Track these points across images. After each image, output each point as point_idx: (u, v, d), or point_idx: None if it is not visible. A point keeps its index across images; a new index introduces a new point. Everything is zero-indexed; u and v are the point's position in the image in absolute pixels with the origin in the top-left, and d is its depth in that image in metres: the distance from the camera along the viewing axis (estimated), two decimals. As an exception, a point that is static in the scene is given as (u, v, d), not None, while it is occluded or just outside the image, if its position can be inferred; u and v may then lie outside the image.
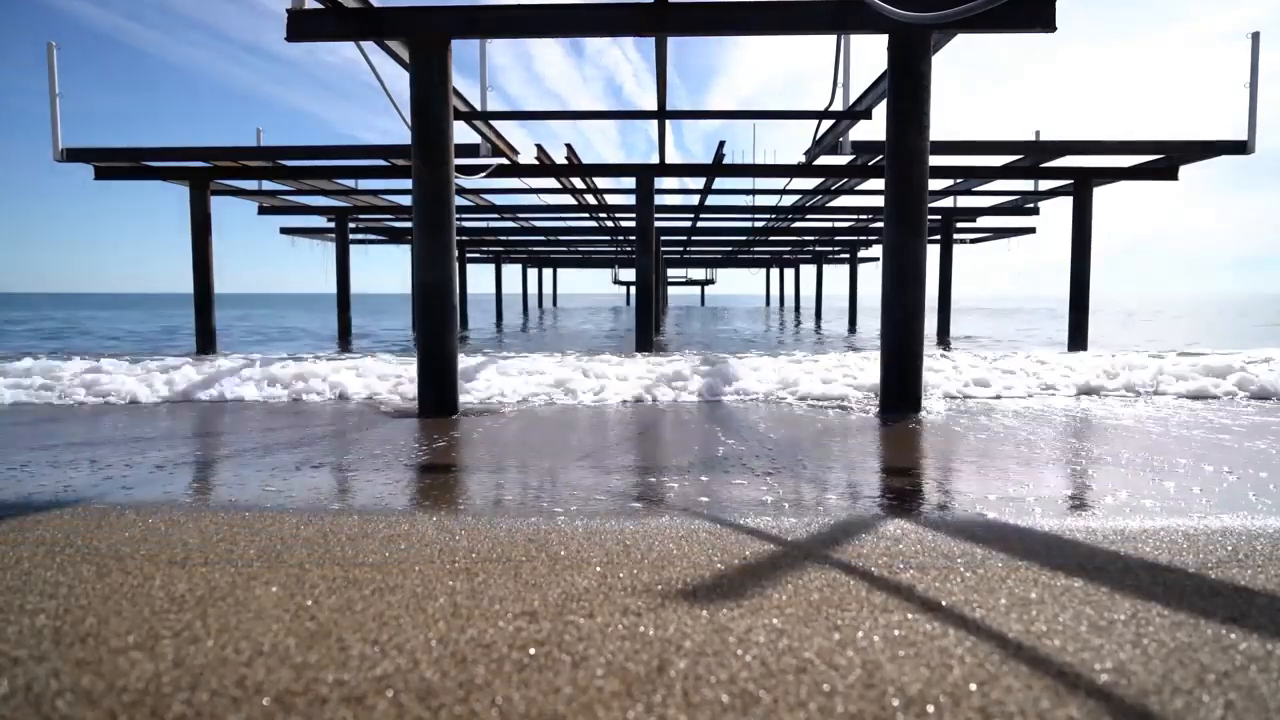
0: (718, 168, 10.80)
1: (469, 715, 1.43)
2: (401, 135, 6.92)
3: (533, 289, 41.35)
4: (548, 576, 2.19)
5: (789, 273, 41.13)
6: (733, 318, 32.31)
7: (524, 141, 25.03)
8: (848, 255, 26.37)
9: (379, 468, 3.87)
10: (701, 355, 9.13)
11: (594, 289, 62.16)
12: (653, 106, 8.23)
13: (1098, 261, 12.01)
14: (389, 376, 7.21)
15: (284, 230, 17.47)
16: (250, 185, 12.29)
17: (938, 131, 6.37)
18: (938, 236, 16.26)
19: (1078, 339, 11.65)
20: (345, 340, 16.05)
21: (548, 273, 44.68)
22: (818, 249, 26.14)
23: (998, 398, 6.56)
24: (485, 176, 10.14)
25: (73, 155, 9.74)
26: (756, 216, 16.41)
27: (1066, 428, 5.14)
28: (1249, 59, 7.97)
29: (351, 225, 17.55)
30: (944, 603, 1.98)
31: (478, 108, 7.99)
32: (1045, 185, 12.65)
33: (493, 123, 8.52)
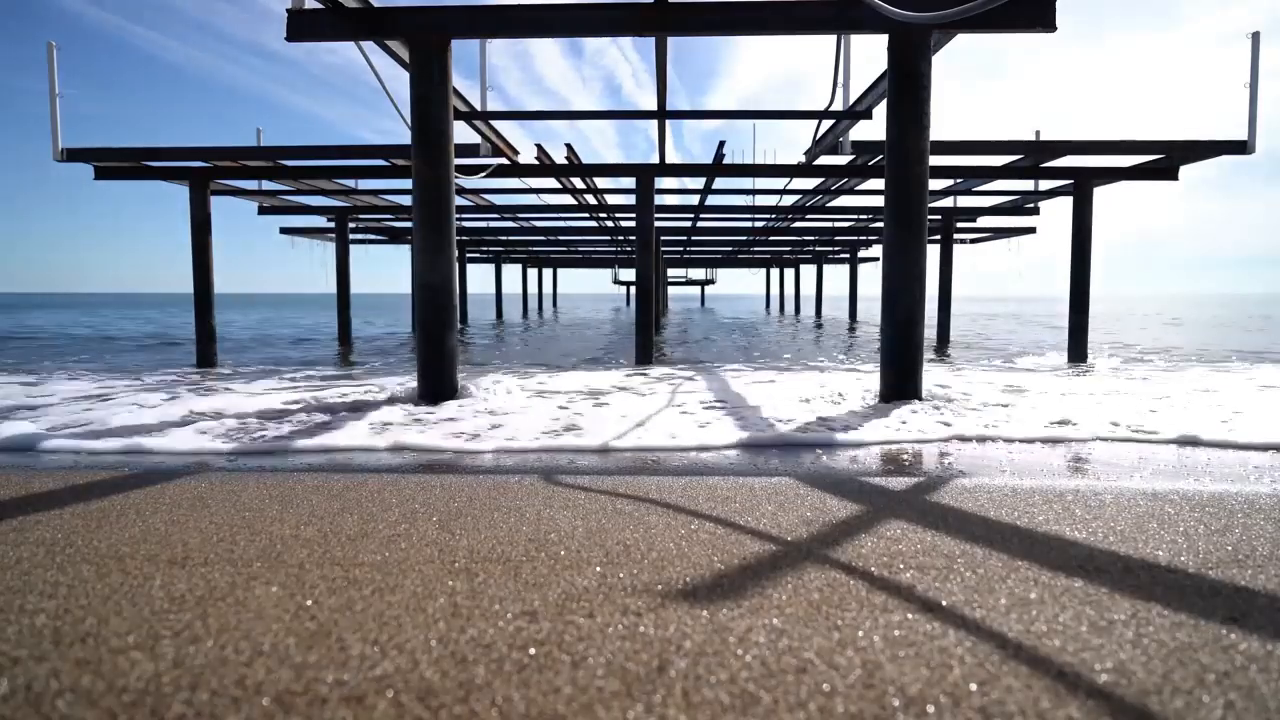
0: (718, 168, 10.79)
1: (469, 715, 1.43)
2: (401, 135, 6.93)
3: (533, 289, 41.43)
4: (548, 576, 2.19)
5: (789, 273, 41.15)
6: (736, 316, 32.29)
7: (524, 141, 25.05)
8: (848, 255, 26.37)
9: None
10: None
11: (594, 289, 62.31)
12: (652, 106, 8.23)
13: (1097, 260, 11.98)
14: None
15: (284, 230, 17.46)
16: (250, 185, 12.29)
17: (938, 131, 6.37)
18: (938, 236, 16.26)
19: (1078, 344, 11.49)
20: (346, 339, 16.07)
21: (548, 273, 44.69)
22: (818, 249, 26.13)
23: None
24: (485, 176, 10.14)
25: (73, 155, 9.73)
26: (756, 216, 16.40)
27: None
28: (1249, 59, 7.97)
29: (351, 225, 17.54)
30: (944, 603, 1.98)
31: (478, 108, 7.99)
32: (1045, 185, 12.64)
33: (492, 122, 8.51)
